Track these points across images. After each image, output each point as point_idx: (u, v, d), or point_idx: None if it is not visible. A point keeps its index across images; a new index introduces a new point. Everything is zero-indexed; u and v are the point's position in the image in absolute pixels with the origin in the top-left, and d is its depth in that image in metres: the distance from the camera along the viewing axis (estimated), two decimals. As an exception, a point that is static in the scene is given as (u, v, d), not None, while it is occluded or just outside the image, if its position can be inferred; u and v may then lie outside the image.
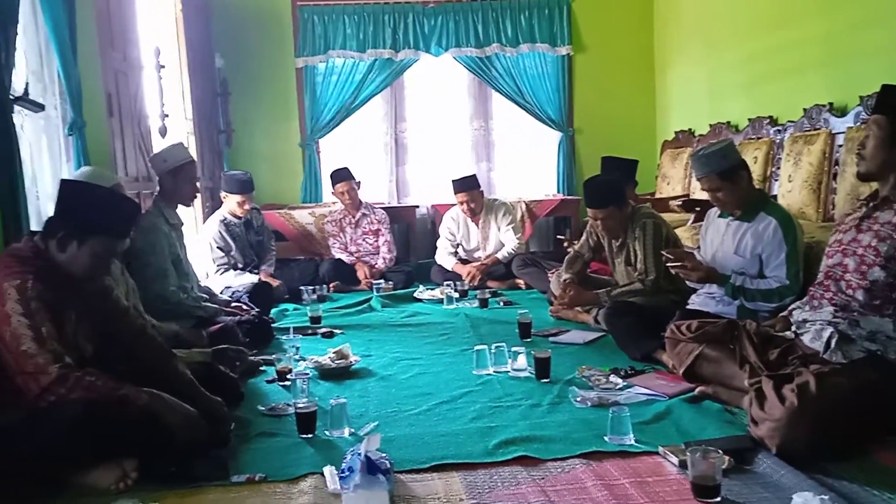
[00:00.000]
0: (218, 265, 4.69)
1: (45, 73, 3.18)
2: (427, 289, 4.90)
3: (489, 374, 3.00)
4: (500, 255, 5.13)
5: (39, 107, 2.97)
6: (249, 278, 4.61)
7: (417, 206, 6.37)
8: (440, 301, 4.61)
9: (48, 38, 3.07)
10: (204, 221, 5.07)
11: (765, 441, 2.08)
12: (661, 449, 2.14)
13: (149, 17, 4.69)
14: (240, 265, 4.75)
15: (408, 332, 3.92)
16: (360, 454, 1.89)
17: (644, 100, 6.71)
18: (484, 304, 4.43)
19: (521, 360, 3.00)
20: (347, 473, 1.87)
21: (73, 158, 3.23)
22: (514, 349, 3.07)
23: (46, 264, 2.10)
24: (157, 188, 3.80)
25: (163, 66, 4.38)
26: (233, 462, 2.17)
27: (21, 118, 2.88)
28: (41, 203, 3.10)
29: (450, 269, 5.16)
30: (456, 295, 4.61)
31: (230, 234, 4.75)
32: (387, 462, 1.96)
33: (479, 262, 5.13)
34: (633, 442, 2.21)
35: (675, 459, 2.06)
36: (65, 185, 2.24)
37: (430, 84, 6.70)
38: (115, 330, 2.37)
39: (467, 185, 5.07)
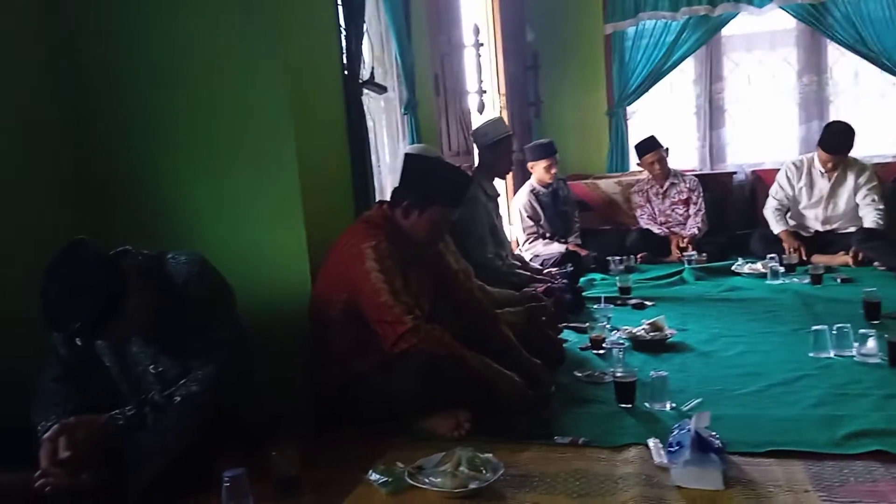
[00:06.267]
0: (528, 234, 4.84)
1: (386, 59, 3.53)
2: (747, 262, 4.52)
3: (829, 358, 2.69)
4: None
5: (383, 89, 3.30)
6: (557, 248, 4.69)
7: (735, 173, 5.89)
8: (762, 276, 4.22)
9: (388, 27, 3.40)
10: (514, 193, 5.26)
11: None
12: None
13: (469, -1, 4.95)
14: (548, 234, 4.85)
15: (727, 308, 3.66)
16: (689, 430, 1.80)
17: None
18: (817, 280, 3.95)
19: (871, 344, 2.63)
20: (676, 448, 1.80)
21: (407, 135, 3.55)
22: (860, 331, 2.70)
23: (394, 229, 2.33)
24: (476, 161, 4.03)
25: (481, 45, 4.60)
26: (554, 423, 2.23)
27: (366, 100, 3.23)
28: (382, 176, 3.47)
29: (776, 233, 4.67)
30: (782, 269, 4.18)
31: (539, 203, 4.86)
32: (718, 441, 1.84)
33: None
34: None
35: None
36: (409, 159, 2.46)
37: (752, 39, 6.12)
38: (446, 291, 2.56)
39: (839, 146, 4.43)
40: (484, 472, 1.83)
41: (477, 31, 4.59)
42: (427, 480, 1.82)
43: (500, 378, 2.24)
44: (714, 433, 1.90)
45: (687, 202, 5.15)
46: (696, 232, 5.03)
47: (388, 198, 2.47)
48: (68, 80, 2.49)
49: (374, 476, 1.88)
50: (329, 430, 2.30)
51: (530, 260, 4.47)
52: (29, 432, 1.86)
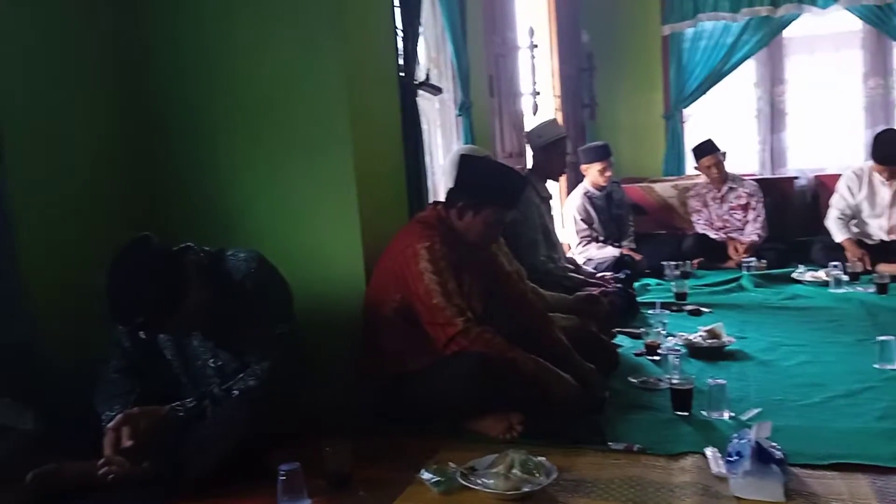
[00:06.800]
0: (581, 237, 4.78)
1: (441, 60, 3.54)
2: (808, 269, 4.39)
3: (895, 370, 2.59)
4: None
5: (438, 90, 3.31)
6: (611, 251, 4.63)
7: (797, 178, 5.71)
8: (825, 284, 4.09)
9: (444, 29, 3.41)
10: (568, 195, 5.22)
11: None
12: None
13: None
14: (601, 238, 4.79)
15: (788, 316, 3.56)
16: (749, 440, 1.75)
17: None
18: (882, 289, 3.81)
19: (941, 357, 2.53)
20: (736, 458, 1.75)
21: (461, 137, 3.56)
22: (929, 343, 2.59)
23: (448, 230, 2.34)
24: (530, 162, 4.01)
25: (535, 46, 4.58)
26: (608, 429, 2.19)
27: (421, 101, 3.25)
28: (436, 177, 3.48)
29: (838, 242, 4.52)
30: (845, 278, 4.04)
31: (593, 206, 4.80)
32: (779, 452, 1.79)
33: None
34: None
35: None
36: (464, 160, 2.46)
37: (815, 41, 5.97)
38: (499, 293, 2.55)
39: None
40: (537, 475, 1.82)
41: (532, 32, 4.57)
42: (479, 482, 1.82)
43: (553, 380, 2.22)
44: (775, 444, 1.85)
45: (745, 207, 5.02)
46: (757, 239, 4.89)
47: (441, 198, 2.47)
48: (132, 84, 2.58)
49: (426, 475, 1.88)
50: (381, 428, 2.31)
51: (583, 264, 4.42)
52: (93, 422, 1.92)
